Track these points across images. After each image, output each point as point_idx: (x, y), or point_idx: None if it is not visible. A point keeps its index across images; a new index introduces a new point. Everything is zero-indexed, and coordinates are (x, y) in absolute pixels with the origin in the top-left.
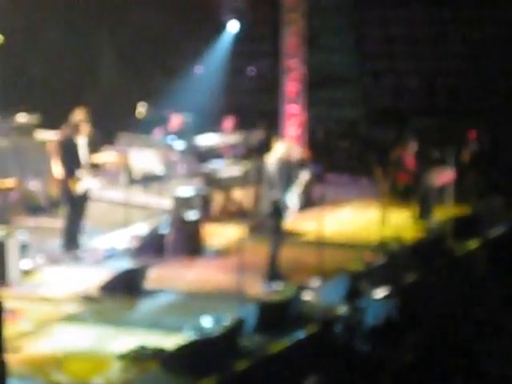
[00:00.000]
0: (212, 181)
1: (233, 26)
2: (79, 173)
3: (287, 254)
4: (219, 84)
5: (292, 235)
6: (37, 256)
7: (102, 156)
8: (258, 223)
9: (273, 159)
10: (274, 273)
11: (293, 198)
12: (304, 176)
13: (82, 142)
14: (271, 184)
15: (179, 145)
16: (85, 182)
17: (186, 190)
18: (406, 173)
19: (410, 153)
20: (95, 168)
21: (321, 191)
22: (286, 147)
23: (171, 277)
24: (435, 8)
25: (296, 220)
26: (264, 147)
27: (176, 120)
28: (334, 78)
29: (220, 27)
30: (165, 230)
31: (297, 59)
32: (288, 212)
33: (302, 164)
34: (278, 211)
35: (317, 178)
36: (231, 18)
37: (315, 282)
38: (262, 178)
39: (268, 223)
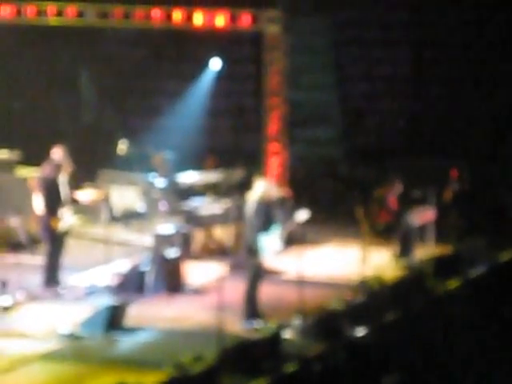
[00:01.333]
0: (193, 218)
1: (215, 64)
2: (60, 211)
3: (267, 292)
4: (201, 122)
5: (272, 273)
6: (17, 292)
7: (82, 193)
8: (238, 261)
9: (253, 197)
10: (253, 311)
11: (273, 238)
12: (301, 215)
13: (62, 179)
14: (250, 223)
15: (160, 182)
16: (66, 220)
17: (167, 228)
18: (388, 212)
19: (392, 192)
20: (76, 205)
21: (302, 229)
22: (266, 186)
23: (151, 314)
24: (417, 48)
25: (276, 258)
26: (245, 186)
27: (157, 158)
28: (315, 116)
29: (202, 65)
30: (145, 268)
31: (279, 98)
32: (267, 251)
33: (282, 202)
34: (255, 250)
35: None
36: (213, 56)
37: (296, 321)
38: (242, 215)
39: (247, 261)
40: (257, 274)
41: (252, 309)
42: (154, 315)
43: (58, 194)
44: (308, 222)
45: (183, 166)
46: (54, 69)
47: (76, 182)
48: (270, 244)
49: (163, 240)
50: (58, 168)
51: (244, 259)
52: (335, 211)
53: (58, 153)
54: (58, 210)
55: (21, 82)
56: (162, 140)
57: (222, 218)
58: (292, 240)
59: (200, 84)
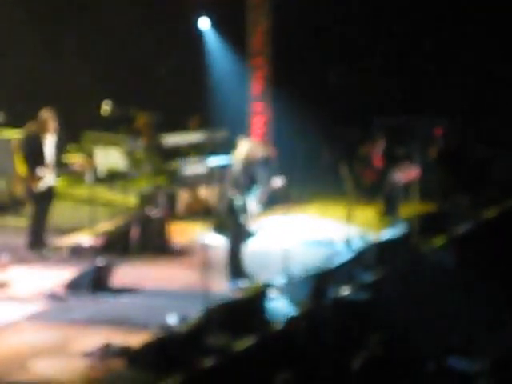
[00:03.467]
0: (177, 178)
1: (203, 23)
2: (41, 170)
3: (251, 252)
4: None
5: (256, 233)
6: (1, 255)
7: (67, 155)
8: (221, 220)
9: (238, 158)
10: (237, 271)
11: (255, 198)
12: (276, 181)
13: (49, 140)
14: (234, 182)
15: (144, 143)
16: (47, 180)
17: (151, 188)
18: (373, 170)
19: (377, 150)
20: (61, 167)
21: (285, 189)
22: (250, 146)
23: (137, 274)
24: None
25: (261, 218)
26: (229, 145)
27: (141, 118)
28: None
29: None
30: (130, 228)
31: (262, 58)
32: (249, 210)
33: (266, 161)
34: (235, 209)
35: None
36: (201, 15)
37: (281, 280)
38: (226, 176)
39: (228, 221)
40: (239, 234)
41: (236, 269)
42: (140, 276)
43: (41, 154)
44: (291, 181)
45: (167, 126)
46: (38, 27)
47: (62, 144)
48: (251, 204)
49: (147, 200)
50: (43, 127)
51: (226, 218)
52: (319, 170)
53: (44, 114)
54: (39, 169)
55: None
56: (145, 101)
57: (205, 179)
58: (276, 200)
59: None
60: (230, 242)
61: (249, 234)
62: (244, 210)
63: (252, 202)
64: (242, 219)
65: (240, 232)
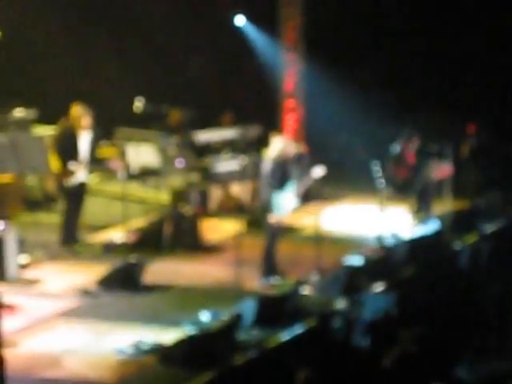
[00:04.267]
0: (210, 175)
1: (239, 20)
2: (72, 165)
3: (285, 249)
4: (219, 79)
5: (290, 230)
6: (34, 251)
7: (101, 151)
8: (256, 218)
9: (270, 155)
10: (271, 267)
11: (289, 195)
12: (317, 172)
13: (83, 136)
14: (266, 180)
15: (177, 139)
16: (79, 176)
17: (184, 185)
18: (405, 167)
19: (411, 148)
20: (96, 163)
21: (319, 186)
22: (283, 143)
23: (169, 271)
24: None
25: (294, 215)
26: (262, 142)
27: (174, 115)
28: None
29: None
30: (163, 225)
31: (295, 54)
32: (283, 208)
33: (299, 158)
34: (271, 208)
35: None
36: (237, 12)
37: (314, 277)
38: (259, 173)
39: (263, 219)
40: (274, 232)
41: (270, 266)
42: (172, 273)
43: (74, 149)
44: (324, 179)
45: (200, 123)
46: (72, 26)
47: (96, 140)
48: (286, 201)
49: (180, 197)
50: (75, 123)
51: (260, 217)
52: (352, 167)
53: (76, 110)
54: (71, 164)
55: (38, 40)
56: (178, 97)
57: (239, 176)
58: (309, 197)
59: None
60: (265, 239)
61: (283, 231)
62: (278, 207)
63: (287, 197)
64: (276, 217)
65: (274, 230)
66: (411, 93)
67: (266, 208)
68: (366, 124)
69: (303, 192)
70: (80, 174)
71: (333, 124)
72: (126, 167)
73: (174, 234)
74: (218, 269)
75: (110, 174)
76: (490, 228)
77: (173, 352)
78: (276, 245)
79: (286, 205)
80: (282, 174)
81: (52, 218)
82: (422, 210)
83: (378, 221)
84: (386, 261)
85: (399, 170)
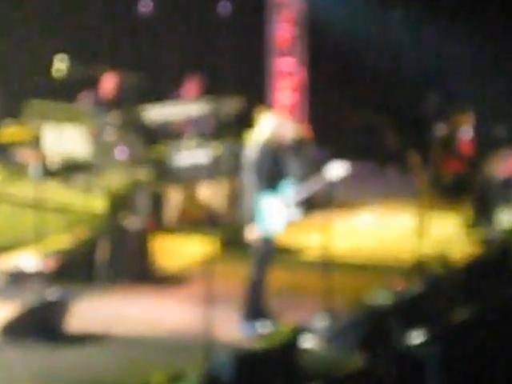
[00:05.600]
0: (167, 171)
1: None
2: None
3: (279, 280)
4: (178, 30)
5: (286, 252)
6: None
7: (3, 135)
8: (236, 235)
9: (256, 141)
10: (257, 308)
11: (287, 200)
12: (335, 170)
13: None
14: (254, 178)
15: (117, 118)
16: None
17: (128, 186)
18: (457, 158)
19: (463, 130)
20: None
21: (329, 188)
22: (275, 122)
23: (106, 314)
24: None
25: (293, 230)
26: (243, 122)
27: (111, 81)
28: None
29: None
30: (96, 245)
31: None
32: (278, 220)
33: (299, 146)
34: (260, 218)
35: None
36: None
37: (320, 322)
38: (240, 167)
39: (248, 235)
40: (264, 254)
41: (256, 305)
42: (110, 316)
43: None
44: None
45: (152, 93)
46: None
47: None
48: (282, 209)
49: (122, 203)
50: None
51: (242, 233)
52: (377, 159)
53: None
54: None
55: None
56: (119, 55)
57: (209, 171)
58: (314, 203)
59: None
60: (252, 266)
61: (276, 255)
62: (269, 218)
63: (282, 204)
64: (267, 233)
65: (265, 252)
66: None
67: (251, 220)
68: (397, 96)
69: (306, 198)
70: None
71: (348, 96)
72: (42, 159)
73: (113, 258)
74: (178, 310)
75: (17, 169)
76: None
77: None
78: (266, 274)
79: (279, 215)
80: (273, 169)
81: None
82: (481, 222)
83: (417, 239)
84: (429, 298)
85: (448, 162)
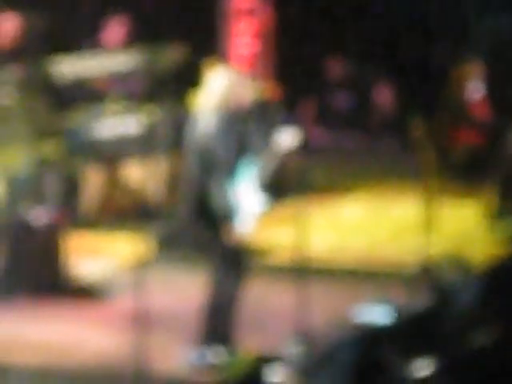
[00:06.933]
0: (83, 146)
1: None
2: None
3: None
4: None
5: (250, 255)
6: None
7: None
8: (178, 231)
9: (206, 105)
10: (210, 330)
11: (249, 185)
12: (284, 140)
13: None
14: (201, 154)
15: (16, 74)
16: None
17: (32, 166)
18: (473, 127)
19: (471, 86)
20: None
21: (302, 166)
22: (231, 80)
23: (5, 338)
24: None
25: (256, 225)
26: (187, 79)
27: (9, 25)
28: None
29: None
30: None
31: None
32: (239, 211)
33: (263, 111)
34: (214, 210)
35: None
36: None
37: (293, 348)
38: (183, 141)
39: (200, 232)
40: (224, 261)
41: (210, 327)
42: (9, 341)
43: None
44: (316, 150)
45: (61, 40)
46: None
47: None
48: (243, 197)
49: (23, 189)
50: None
51: (191, 227)
52: (368, 127)
53: None
54: None
55: None
56: None
57: (140, 145)
58: (284, 188)
59: None
60: (210, 274)
61: (243, 262)
62: (231, 210)
63: (247, 191)
64: (226, 229)
65: (224, 255)
66: None
67: (205, 210)
68: (393, 42)
69: (272, 179)
70: None
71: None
72: None
73: (11, 263)
74: (100, 332)
75: None
76: None
77: None
78: (240, 287)
79: (243, 205)
80: (233, 142)
81: None
82: (509, 211)
83: (422, 235)
84: (439, 315)
85: (460, 131)
